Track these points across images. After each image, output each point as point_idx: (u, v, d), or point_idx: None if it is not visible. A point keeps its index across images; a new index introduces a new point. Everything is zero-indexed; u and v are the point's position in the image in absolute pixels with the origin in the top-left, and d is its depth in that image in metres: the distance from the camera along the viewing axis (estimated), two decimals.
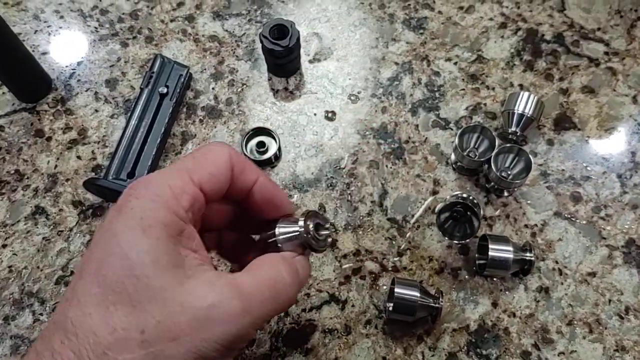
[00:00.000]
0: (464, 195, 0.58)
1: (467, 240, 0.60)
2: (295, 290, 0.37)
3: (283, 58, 0.65)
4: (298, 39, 0.64)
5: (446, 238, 0.60)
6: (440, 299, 0.55)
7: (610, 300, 0.58)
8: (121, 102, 0.69)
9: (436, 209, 0.56)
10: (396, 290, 0.54)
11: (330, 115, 0.67)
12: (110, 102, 0.69)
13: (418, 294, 0.54)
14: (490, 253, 0.56)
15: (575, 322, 0.58)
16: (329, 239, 0.42)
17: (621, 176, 0.63)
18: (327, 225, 0.42)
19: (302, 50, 0.69)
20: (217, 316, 0.31)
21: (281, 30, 0.64)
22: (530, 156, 0.59)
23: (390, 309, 0.55)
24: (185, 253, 0.33)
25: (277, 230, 0.40)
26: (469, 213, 0.58)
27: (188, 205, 0.34)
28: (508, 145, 0.60)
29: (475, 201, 0.58)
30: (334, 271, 0.60)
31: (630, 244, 0.60)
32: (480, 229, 0.60)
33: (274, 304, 0.35)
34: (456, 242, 0.60)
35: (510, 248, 0.57)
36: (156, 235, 0.32)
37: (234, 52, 0.70)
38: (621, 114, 0.66)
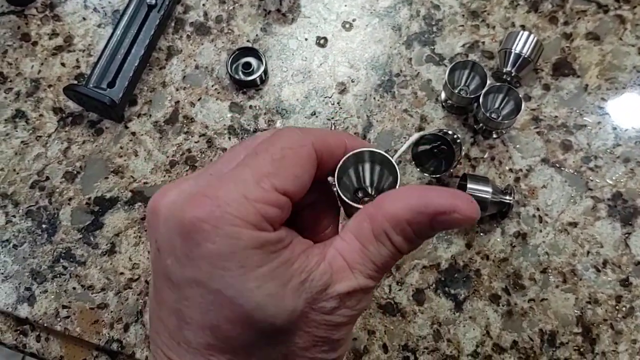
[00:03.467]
0: (446, 131, 0.56)
1: (439, 175, 0.58)
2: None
3: None
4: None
5: (418, 170, 0.58)
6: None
7: (588, 252, 0.57)
8: (110, 12, 0.67)
9: (414, 138, 0.53)
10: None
11: (321, 41, 0.65)
12: (99, 11, 0.67)
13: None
14: (468, 192, 0.55)
15: (550, 270, 0.56)
16: None
17: (616, 128, 0.61)
18: None
19: None
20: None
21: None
22: (520, 97, 0.57)
23: None
24: (286, 262, 0.28)
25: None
26: (446, 148, 0.56)
27: (276, 216, 0.28)
28: (497, 84, 0.58)
29: (456, 138, 0.56)
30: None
31: (617, 197, 0.58)
32: (457, 167, 0.59)
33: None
34: (428, 175, 0.59)
35: (489, 189, 0.55)
36: (257, 264, 0.27)
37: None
38: (625, 65, 0.63)
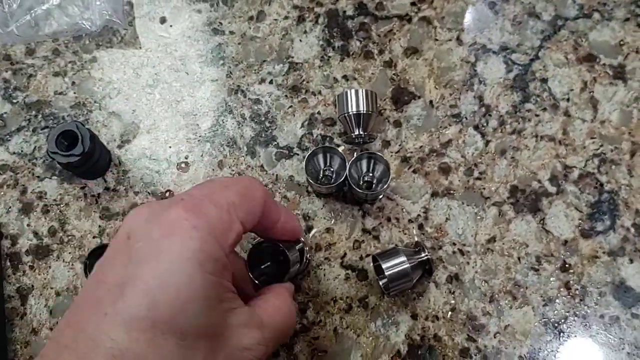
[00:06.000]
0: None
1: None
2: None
3: (85, 164, 0.56)
4: (92, 137, 0.55)
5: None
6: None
7: (519, 258, 0.56)
8: None
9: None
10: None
11: (169, 195, 0.59)
12: None
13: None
14: (387, 273, 0.52)
15: (496, 295, 0.55)
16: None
17: (478, 127, 0.60)
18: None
19: (103, 139, 0.60)
20: (247, 357, 0.34)
21: (70, 136, 0.55)
22: (380, 154, 0.55)
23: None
24: (226, 287, 0.34)
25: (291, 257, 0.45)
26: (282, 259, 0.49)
27: (233, 243, 0.35)
28: (354, 157, 0.55)
29: (299, 249, 0.51)
30: None
31: (515, 192, 0.58)
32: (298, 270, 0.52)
33: (283, 339, 0.40)
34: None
35: (403, 258, 0.52)
36: (209, 271, 0.32)
37: (33, 174, 0.60)
38: (453, 62, 0.62)
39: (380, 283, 0.55)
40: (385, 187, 0.54)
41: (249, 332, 0.35)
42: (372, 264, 0.56)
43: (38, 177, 0.60)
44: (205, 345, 0.32)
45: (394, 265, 0.52)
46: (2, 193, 0.60)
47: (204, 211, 0.33)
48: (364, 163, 0.57)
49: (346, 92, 0.56)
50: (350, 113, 0.56)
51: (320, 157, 0.57)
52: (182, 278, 0.31)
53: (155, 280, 0.30)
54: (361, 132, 0.57)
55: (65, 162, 0.55)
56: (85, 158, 0.55)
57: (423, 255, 0.54)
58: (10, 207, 0.59)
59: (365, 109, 0.56)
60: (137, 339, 0.29)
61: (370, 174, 0.57)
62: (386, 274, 0.52)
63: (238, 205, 0.35)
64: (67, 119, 0.61)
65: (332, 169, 0.57)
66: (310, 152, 0.55)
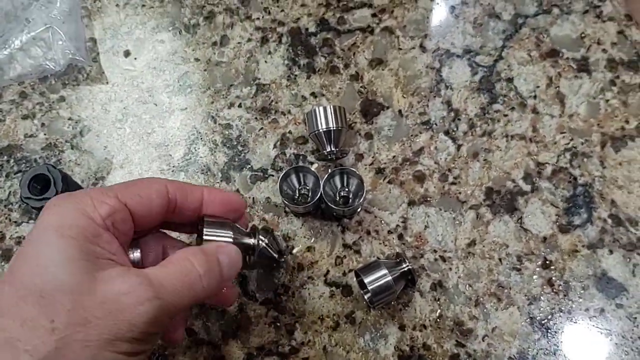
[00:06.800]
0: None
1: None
2: (212, 281, 0.39)
3: None
4: (64, 178, 0.55)
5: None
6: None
7: (500, 259, 0.56)
8: None
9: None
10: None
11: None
12: None
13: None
14: (370, 287, 0.52)
15: (481, 298, 0.55)
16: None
17: (448, 132, 0.60)
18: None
19: (77, 178, 0.60)
20: (127, 301, 0.33)
21: (42, 179, 0.55)
22: (353, 170, 0.55)
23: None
24: (100, 254, 0.35)
25: (204, 228, 0.43)
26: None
27: (106, 214, 0.37)
28: (328, 174, 0.55)
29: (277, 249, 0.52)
30: None
31: (490, 193, 0.58)
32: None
33: (187, 292, 0.37)
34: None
35: (385, 271, 0.52)
36: (70, 235, 0.34)
37: (10, 219, 0.60)
38: (418, 70, 0.62)
39: (365, 297, 0.55)
40: (361, 200, 0.55)
41: (126, 279, 0.35)
42: (355, 279, 0.56)
43: (15, 222, 0.60)
44: (70, 298, 0.32)
45: (376, 279, 0.52)
46: None
47: (73, 195, 0.37)
48: (337, 179, 0.57)
49: (314, 110, 0.57)
50: (320, 130, 0.56)
51: (294, 177, 0.57)
52: (39, 246, 0.34)
53: (17, 263, 0.34)
54: (333, 149, 0.57)
55: (39, 207, 0.54)
56: None
57: (404, 265, 0.54)
58: None
59: (334, 125, 0.56)
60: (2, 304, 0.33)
61: (346, 189, 0.58)
62: (369, 288, 0.52)
63: (118, 189, 0.39)
64: (40, 161, 0.61)
65: (307, 187, 0.57)
66: (282, 173, 0.56)
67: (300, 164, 0.59)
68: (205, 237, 0.43)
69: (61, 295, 0.32)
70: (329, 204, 0.55)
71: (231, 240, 0.44)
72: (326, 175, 0.55)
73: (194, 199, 0.43)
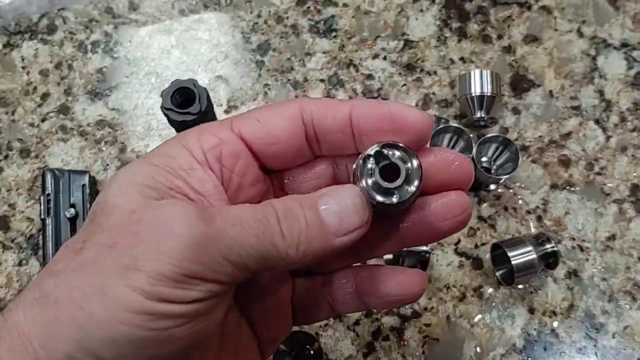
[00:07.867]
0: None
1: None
2: (296, 231, 0.27)
3: (198, 124, 0.53)
4: (208, 97, 0.53)
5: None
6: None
7: (639, 258, 0.54)
8: (24, 242, 0.55)
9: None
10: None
11: None
12: (11, 247, 0.55)
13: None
14: (514, 262, 0.50)
15: (615, 294, 0.53)
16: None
17: (598, 121, 0.58)
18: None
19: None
20: (163, 220, 0.26)
21: (184, 93, 0.53)
22: (509, 139, 0.53)
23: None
24: (178, 187, 0.28)
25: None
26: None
27: (209, 147, 0.29)
28: (483, 138, 0.53)
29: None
30: (352, 344, 0.51)
31: (636, 190, 0.56)
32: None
33: (248, 234, 0.26)
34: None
35: (530, 248, 0.50)
36: (154, 163, 0.28)
37: (134, 131, 0.57)
38: (573, 54, 0.60)
39: (497, 274, 0.53)
40: (511, 172, 0.52)
41: (176, 204, 0.27)
42: (489, 254, 0.53)
43: (138, 135, 0.57)
44: (107, 219, 0.27)
45: (521, 254, 0.50)
46: (100, 150, 0.57)
47: (197, 128, 0.31)
48: (493, 146, 0.54)
49: (470, 73, 0.54)
50: (474, 94, 0.54)
51: (447, 136, 0.55)
52: (128, 167, 0.29)
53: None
54: (483, 115, 0.55)
55: (179, 120, 0.52)
56: (201, 117, 0.52)
57: (548, 246, 0.51)
58: (107, 165, 0.57)
59: (490, 91, 0.54)
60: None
61: (490, 159, 0.55)
62: (512, 262, 0.50)
63: (239, 116, 0.31)
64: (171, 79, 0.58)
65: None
66: (437, 129, 0.53)
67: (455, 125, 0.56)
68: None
69: (101, 215, 0.27)
70: (480, 169, 0.52)
71: None
72: (481, 139, 0.53)
73: (338, 119, 0.29)
